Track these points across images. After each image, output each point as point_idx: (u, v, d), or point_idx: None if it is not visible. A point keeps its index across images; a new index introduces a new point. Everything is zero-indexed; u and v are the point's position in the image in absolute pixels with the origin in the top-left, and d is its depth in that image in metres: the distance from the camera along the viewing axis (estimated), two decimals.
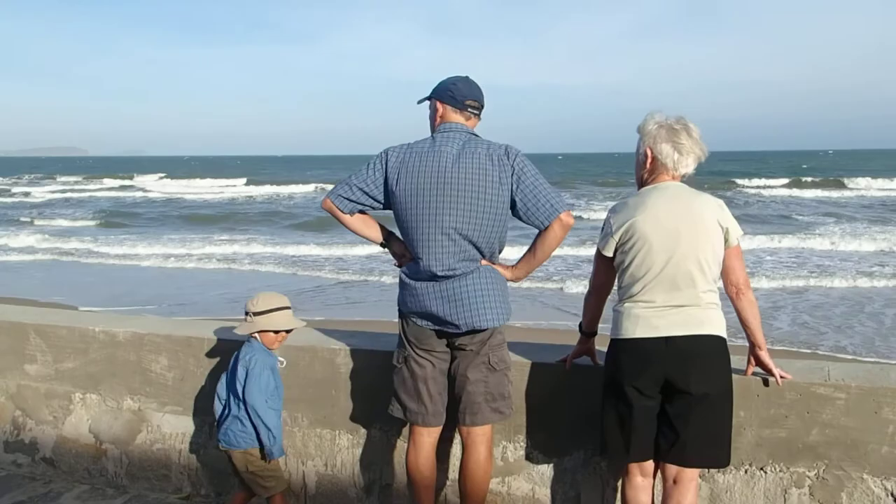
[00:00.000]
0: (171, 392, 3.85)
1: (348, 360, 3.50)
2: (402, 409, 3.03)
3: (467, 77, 3.04)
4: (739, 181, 46.01)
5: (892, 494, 2.80)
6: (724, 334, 2.69)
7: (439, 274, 2.86)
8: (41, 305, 9.65)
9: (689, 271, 2.64)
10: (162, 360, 3.85)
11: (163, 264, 17.62)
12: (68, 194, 44.78)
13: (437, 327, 2.91)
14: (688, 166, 2.76)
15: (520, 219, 2.89)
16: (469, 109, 2.98)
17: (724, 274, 2.75)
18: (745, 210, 29.02)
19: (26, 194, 45.18)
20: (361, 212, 3.08)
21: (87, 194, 45.06)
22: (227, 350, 3.69)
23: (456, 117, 2.97)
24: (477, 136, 2.98)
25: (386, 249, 3.12)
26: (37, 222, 29.16)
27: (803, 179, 47.62)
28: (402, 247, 3.02)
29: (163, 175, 59.02)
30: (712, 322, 2.67)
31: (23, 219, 30.09)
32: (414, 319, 2.96)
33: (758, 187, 43.57)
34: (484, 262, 2.92)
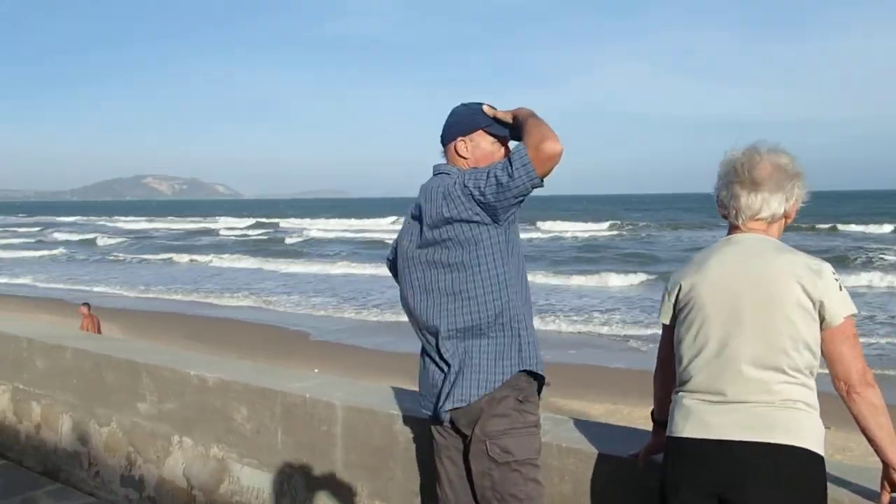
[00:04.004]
0: (249, 444, 3.69)
1: (406, 428, 3.09)
2: None
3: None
4: None
5: None
6: (813, 447, 1.90)
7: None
8: None
9: (755, 354, 1.92)
10: (243, 409, 3.71)
11: None
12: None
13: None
14: (761, 209, 2.04)
15: (487, 206, 2.20)
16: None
17: (829, 364, 1.97)
18: None
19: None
20: None
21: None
22: (299, 404, 3.46)
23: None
24: (448, 173, 2.39)
25: None
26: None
27: None
28: None
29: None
30: (790, 427, 1.90)
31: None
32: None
33: None
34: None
